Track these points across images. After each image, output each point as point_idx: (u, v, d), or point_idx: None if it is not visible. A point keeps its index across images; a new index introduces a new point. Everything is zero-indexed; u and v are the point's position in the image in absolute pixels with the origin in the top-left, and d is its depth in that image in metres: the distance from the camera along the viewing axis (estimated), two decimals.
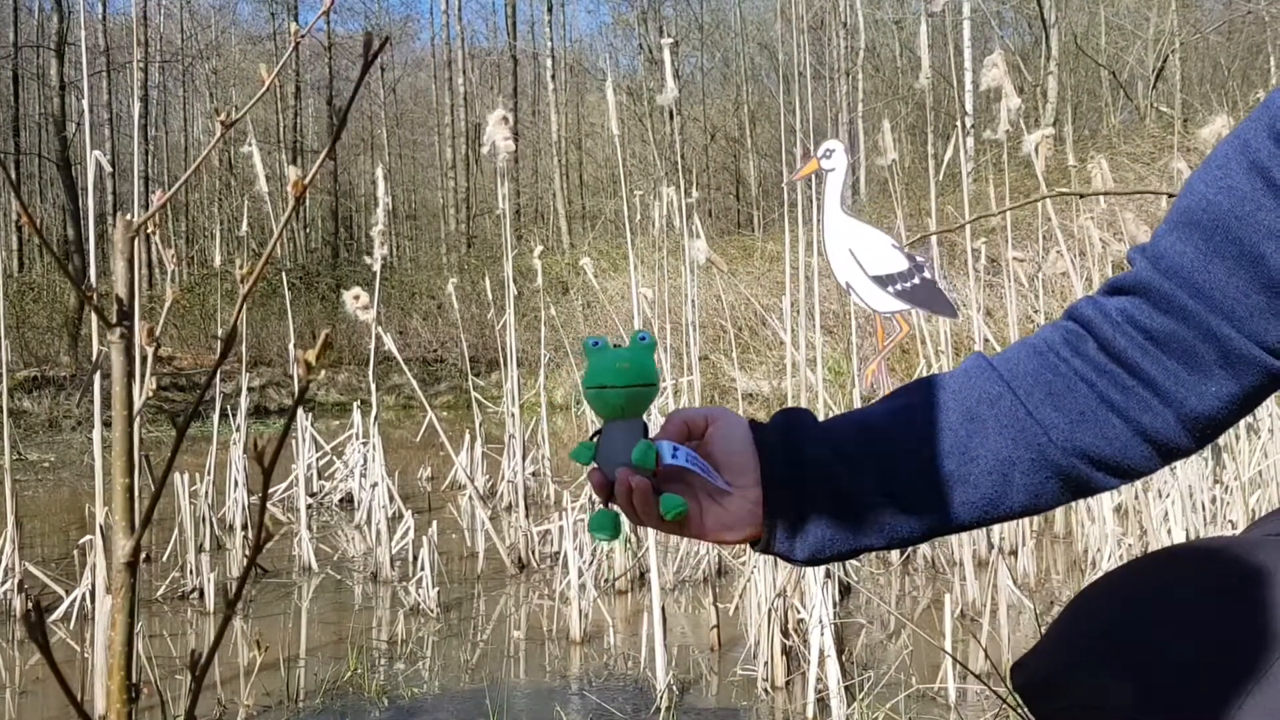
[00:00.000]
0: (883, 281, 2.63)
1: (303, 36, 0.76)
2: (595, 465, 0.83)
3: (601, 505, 0.84)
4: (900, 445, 0.82)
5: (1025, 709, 0.80)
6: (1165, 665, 0.70)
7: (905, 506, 0.82)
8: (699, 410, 0.86)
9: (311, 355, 0.49)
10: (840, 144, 2.72)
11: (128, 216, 0.63)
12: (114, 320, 0.58)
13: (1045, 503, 0.83)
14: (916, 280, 2.62)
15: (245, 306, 0.58)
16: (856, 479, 0.81)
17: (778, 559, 0.91)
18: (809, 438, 0.83)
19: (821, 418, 0.85)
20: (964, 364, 0.87)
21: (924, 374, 4.97)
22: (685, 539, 0.86)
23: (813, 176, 2.91)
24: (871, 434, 0.83)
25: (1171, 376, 0.79)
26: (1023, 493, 0.82)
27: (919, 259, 2.67)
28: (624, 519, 0.84)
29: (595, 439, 0.83)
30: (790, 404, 3.64)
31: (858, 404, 4.86)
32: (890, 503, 0.82)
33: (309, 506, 5.51)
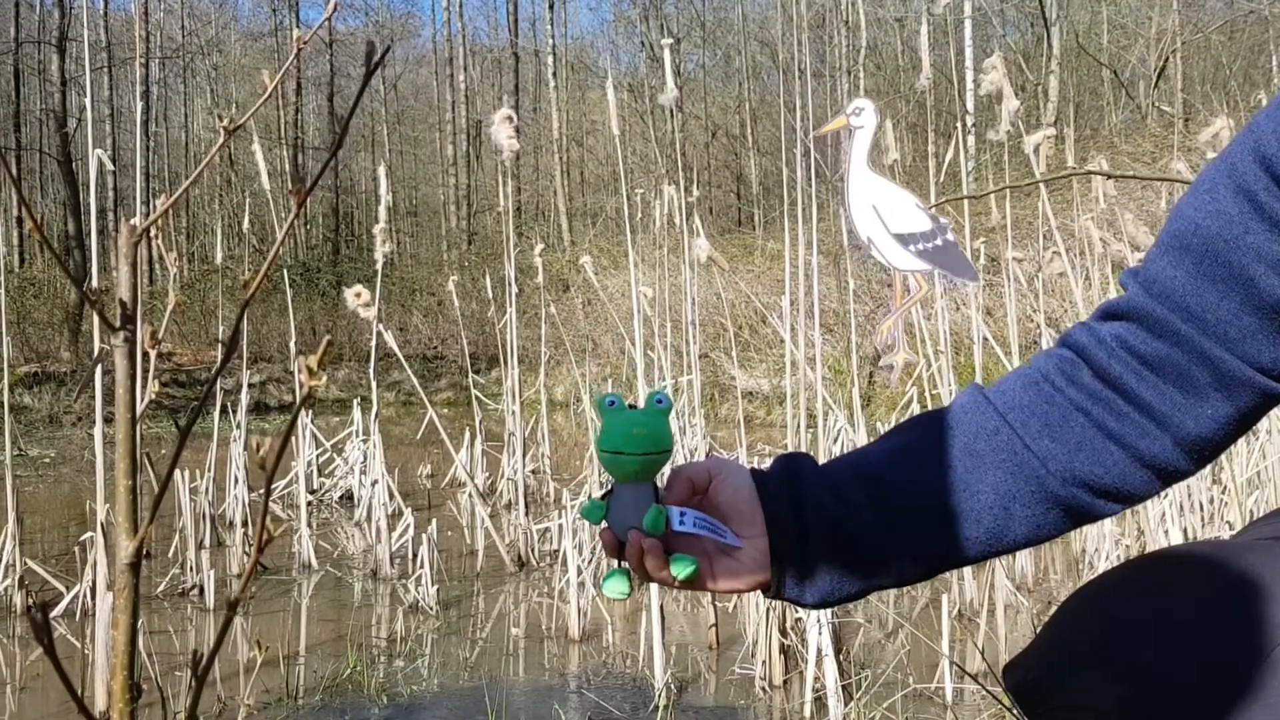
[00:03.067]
0: (905, 240, 2.61)
1: (305, 42, 0.77)
2: (606, 525, 0.84)
3: (615, 565, 0.85)
4: (900, 486, 0.83)
5: (1018, 709, 0.81)
6: (1154, 668, 0.71)
7: (909, 547, 0.83)
8: (701, 464, 0.86)
9: (314, 361, 0.49)
10: (870, 102, 2.71)
11: (132, 221, 0.64)
12: (118, 324, 0.59)
13: (1047, 533, 0.84)
14: (939, 241, 2.61)
15: (246, 306, 0.59)
16: (859, 522, 0.82)
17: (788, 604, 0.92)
18: (810, 484, 0.84)
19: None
20: (959, 398, 0.87)
21: (923, 372, 4.97)
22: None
23: (828, 143, 2.91)
24: (871, 476, 0.84)
25: (1167, 401, 0.80)
26: (1024, 525, 0.83)
27: (942, 220, 2.66)
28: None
29: (606, 498, 0.84)
30: (790, 401, 3.64)
31: (857, 402, 4.86)
32: (894, 544, 0.83)
33: (309, 503, 5.52)
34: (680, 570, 0.82)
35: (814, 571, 0.83)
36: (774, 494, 0.84)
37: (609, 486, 0.85)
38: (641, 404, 0.83)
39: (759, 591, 0.86)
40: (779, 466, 0.86)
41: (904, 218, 2.63)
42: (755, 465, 0.89)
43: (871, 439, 0.91)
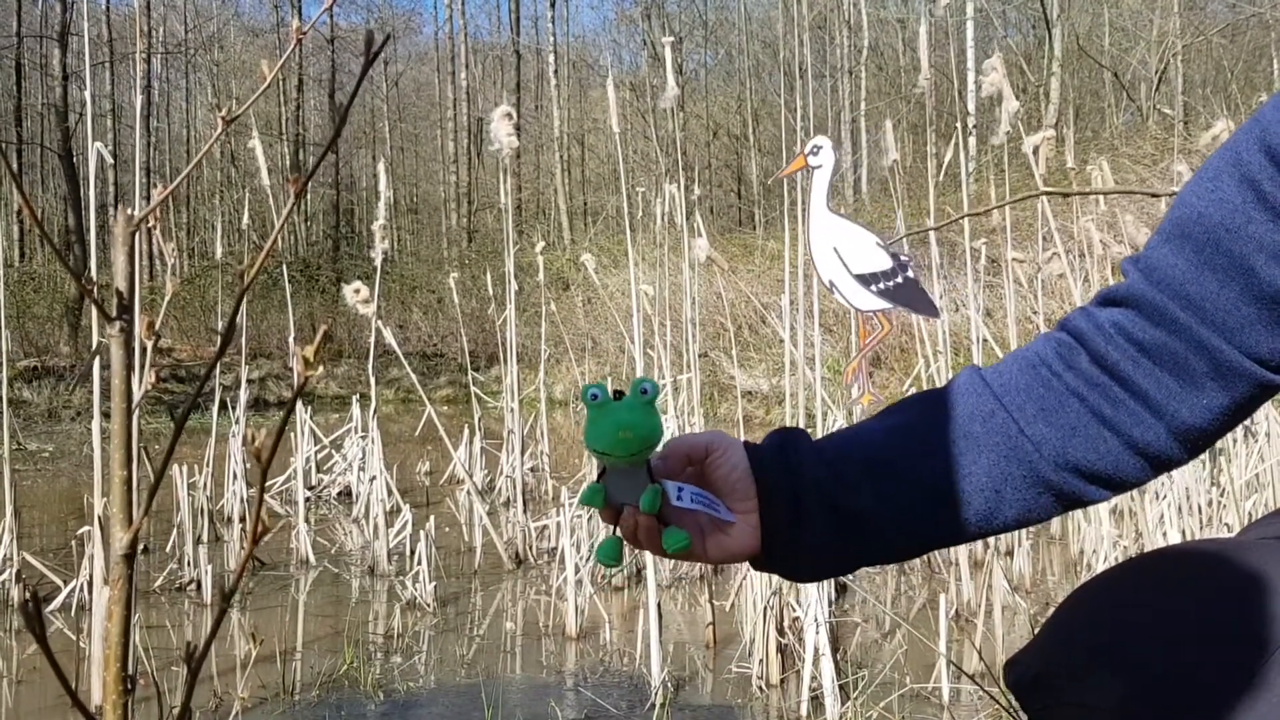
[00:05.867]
0: (866, 280, 2.62)
1: (305, 33, 0.77)
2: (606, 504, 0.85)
3: (610, 533, 0.86)
4: (894, 464, 0.83)
5: (1018, 707, 0.81)
6: (1156, 666, 0.70)
7: (900, 524, 0.83)
8: (698, 438, 0.86)
9: (309, 351, 0.49)
10: (828, 140, 2.71)
11: (129, 210, 0.64)
12: (114, 314, 0.59)
13: (1038, 516, 0.84)
14: (899, 279, 2.61)
15: (245, 299, 0.59)
16: (852, 499, 0.83)
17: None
18: (804, 459, 0.84)
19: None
20: (957, 379, 0.87)
21: (922, 371, 4.98)
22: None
23: (800, 173, 2.91)
24: (866, 453, 0.84)
25: (1163, 389, 0.80)
26: (1015, 507, 0.83)
27: (903, 258, 2.66)
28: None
29: (601, 479, 0.84)
30: (789, 401, 3.64)
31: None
32: (886, 521, 0.83)
33: (307, 500, 5.52)
34: (672, 544, 0.82)
35: (806, 546, 0.84)
36: (769, 469, 0.84)
37: (603, 467, 0.85)
38: (628, 387, 0.83)
39: (749, 563, 0.87)
40: (774, 441, 0.86)
41: (865, 258, 2.63)
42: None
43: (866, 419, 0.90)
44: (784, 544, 0.84)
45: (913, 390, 5.50)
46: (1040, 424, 0.82)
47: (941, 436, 0.83)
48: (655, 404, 0.82)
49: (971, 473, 0.82)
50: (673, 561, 4.44)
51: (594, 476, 0.85)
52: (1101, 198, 4.48)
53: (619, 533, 0.85)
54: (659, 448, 0.84)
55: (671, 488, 0.83)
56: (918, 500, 0.83)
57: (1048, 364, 0.84)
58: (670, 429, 5.02)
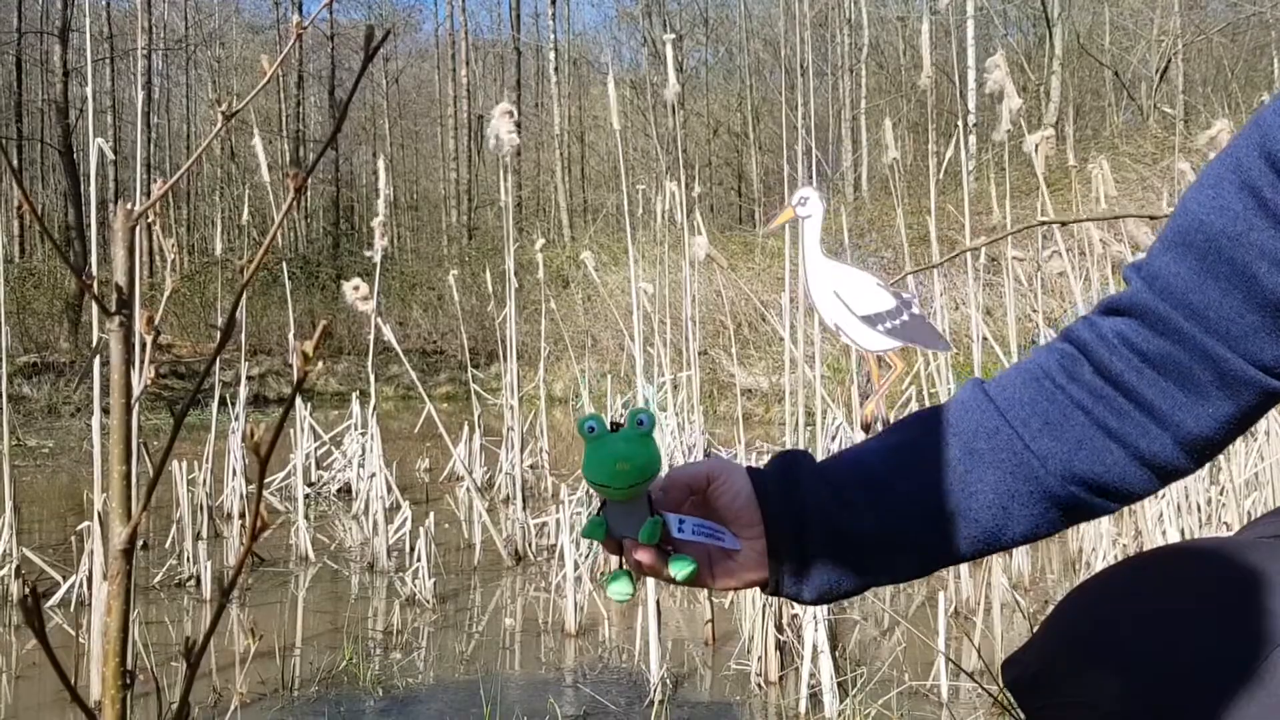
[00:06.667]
0: (871, 321, 2.63)
1: (305, 29, 0.77)
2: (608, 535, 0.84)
3: (616, 566, 0.86)
4: (899, 485, 0.83)
5: (1016, 706, 0.81)
6: (1152, 664, 0.70)
7: (907, 545, 0.83)
8: (698, 467, 0.86)
9: (309, 346, 0.49)
10: (814, 190, 2.72)
11: (128, 205, 0.64)
12: (113, 309, 0.59)
13: (1045, 531, 0.84)
14: (905, 317, 2.62)
15: (245, 296, 0.59)
16: (857, 522, 0.82)
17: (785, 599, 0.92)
18: (808, 483, 0.84)
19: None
20: (960, 394, 0.87)
21: (922, 370, 4.97)
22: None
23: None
24: (870, 475, 0.84)
25: (1168, 399, 0.79)
26: (1022, 524, 0.82)
27: (905, 295, 2.67)
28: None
29: (601, 513, 0.84)
30: (789, 399, 3.64)
31: (855, 403, 4.85)
32: (892, 542, 0.82)
33: (306, 496, 5.52)
34: (679, 571, 0.82)
35: (812, 569, 0.83)
36: (772, 495, 0.84)
37: (603, 499, 0.84)
38: (625, 418, 0.82)
39: (758, 588, 0.86)
40: (777, 465, 0.86)
41: (867, 299, 2.65)
42: (753, 463, 0.88)
43: (869, 436, 0.90)
44: (790, 569, 0.83)
45: (912, 388, 5.51)
46: (1045, 438, 0.81)
47: (946, 454, 0.83)
48: (653, 435, 0.82)
49: (977, 490, 0.81)
50: None
51: (595, 507, 0.85)
52: (1103, 197, 4.48)
53: (627, 564, 0.85)
54: (659, 479, 0.84)
55: (673, 520, 0.82)
56: (922, 520, 0.82)
57: (1051, 376, 0.83)
58: (670, 426, 5.02)
